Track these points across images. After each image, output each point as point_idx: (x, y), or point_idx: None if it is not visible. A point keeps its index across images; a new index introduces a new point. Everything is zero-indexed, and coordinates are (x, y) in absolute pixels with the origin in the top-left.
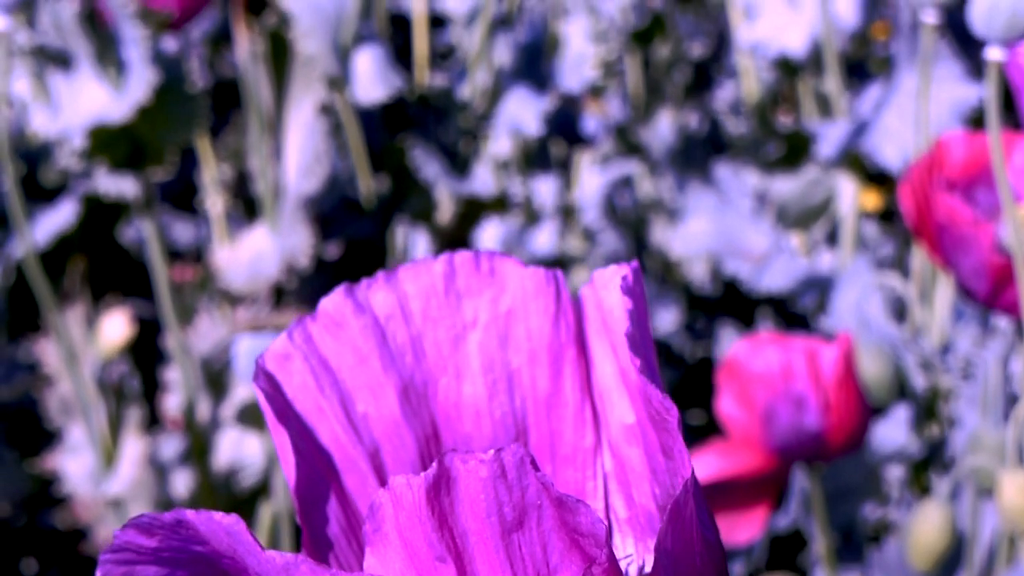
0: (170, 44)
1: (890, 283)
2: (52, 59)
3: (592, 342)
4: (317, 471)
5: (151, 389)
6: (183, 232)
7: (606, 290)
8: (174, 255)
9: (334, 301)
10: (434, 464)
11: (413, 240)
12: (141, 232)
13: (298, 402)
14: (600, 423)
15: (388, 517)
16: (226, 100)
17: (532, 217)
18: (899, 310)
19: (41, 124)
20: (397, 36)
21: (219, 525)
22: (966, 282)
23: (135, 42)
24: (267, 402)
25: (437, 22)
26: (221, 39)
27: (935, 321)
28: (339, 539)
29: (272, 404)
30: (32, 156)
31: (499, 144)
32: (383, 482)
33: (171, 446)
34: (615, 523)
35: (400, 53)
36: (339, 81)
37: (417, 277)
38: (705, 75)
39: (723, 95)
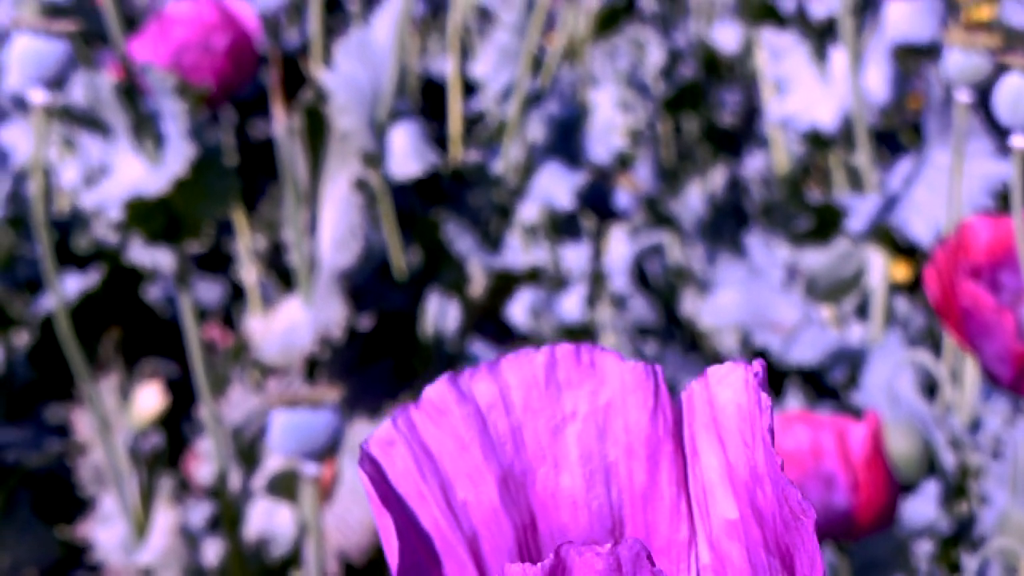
0: (207, 117)
1: (921, 360)
2: (89, 129)
3: (698, 437)
4: (417, 555)
5: (178, 448)
6: (209, 292)
7: (720, 386)
8: (200, 315)
9: (437, 389)
10: (551, 555)
11: (445, 312)
12: (167, 291)
13: (401, 487)
14: (695, 517)
15: None
16: (258, 166)
17: (561, 283)
18: (929, 384)
19: (77, 194)
20: (427, 101)
21: None
22: (990, 367)
23: (173, 116)
24: (371, 486)
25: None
26: (256, 104)
27: (965, 397)
28: None
29: (376, 488)
30: (63, 224)
31: (528, 210)
32: (480, 569)
33: (200, 512)
34: None
35: (427, 113)
36: (375, 156)
37: (519, 368)
38: (735, 143)
39: (753, 163)
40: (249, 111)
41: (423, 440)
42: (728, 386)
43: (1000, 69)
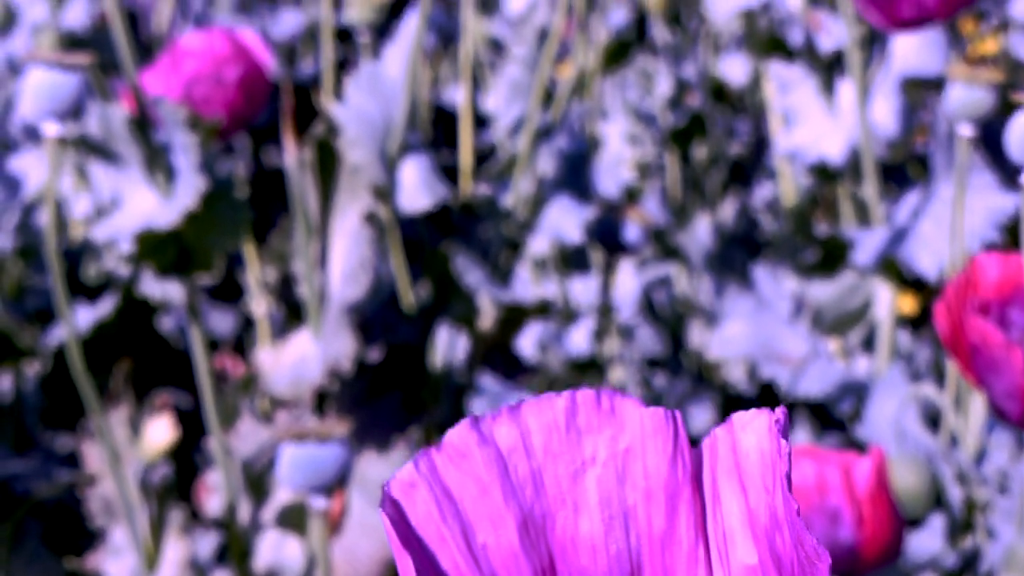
0: (218, 150)
1: (926, 393)
2: (101, 159)
3: (720, 482)
4: None
5: (188, 477)
6: (221, 322)
7: (743, 432)
8: (212, 344)
9: (459, 433)
10: None
11: (454, 345)
12: (179, 321)
13: (421, 529)
14: (713, 562)
15: None
16: (270, 194)
17: (569, 316)
18: (933, 415)
19: (88, 225)
20: (439, 128)
21: None
22: (998, 403)
23: (184, 149)
24: (392, 528)
25: (478, 117)
26: (268, 132)
27: (970, 430)
28: None
29: (397, 530)
30: (73, 254)
31: (538, 243)
32: None
33: (209, 543)
34: None
35: (438, 141)
36: (385, 190)
37: (540, 413)
38: (743, 173)
39: (761, 193)
40: (261, 138)
41: (444, 483)
42: (752, 432)
43: (1004, 104)
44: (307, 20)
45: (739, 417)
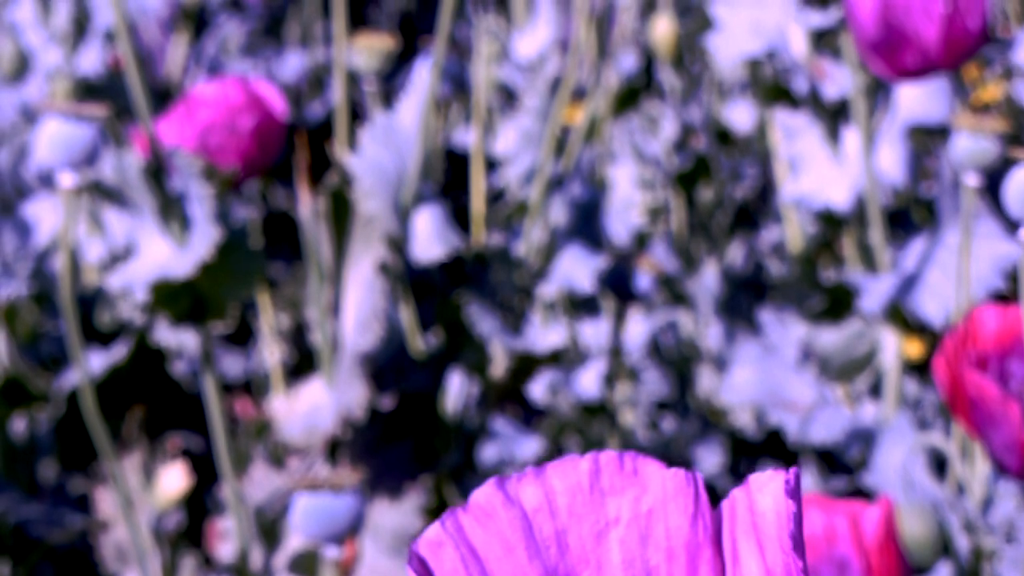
0: (233, 200)
1: (933, 441)
2: (116, 206)
3: (739, 542)
4: None
5: (200, 519)
6: (232, 364)
7: (760, 493)
8: (225, 387)
9: (485, 493)
10: None
11: (466, 393)
12: (193, 365)
13: None
14: None
15: None
16: (280, 235)
17: (579, 358)
18: (939, 462)
19: (102, 273)
20: (449, 168)
21: None
22: (998, 456)
23: (199, 199)
24: None
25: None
26: (279, 171)
27: (976, 477)
28: None
29: None
30: (87, 300)
31: (550, 292)
32: None
33: None
34: None
35: (449, 183)
36: (398, 240)
37: (564, 474)
38: (749, 215)
39: (768, 236)
40: (270, 177)
41: (470, 542)
42: (768, 494)
43: (1008, 156)
44: (312, 62)
45: (756, 479)
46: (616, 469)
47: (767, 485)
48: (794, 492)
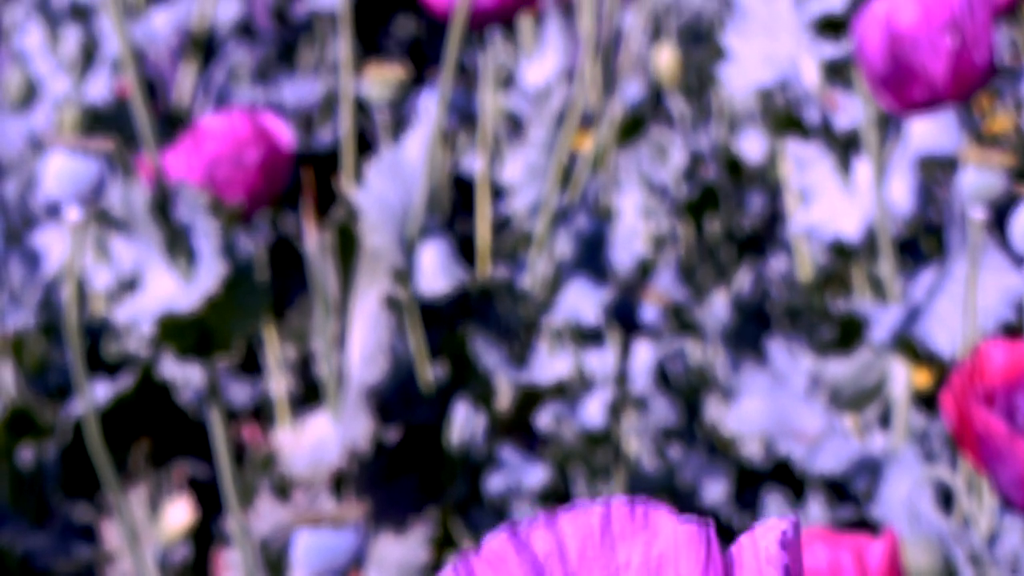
0: (239, 229)
1: (939, 475)
2: (123, 236)
3: None
4: None
5: (204, 546)
6: (238, 392)
7: (765, 539)
8: (231, 414)
9: (497, 539)
10: None
11: (471, 425)
12: (198, 393)
13: None
14: None
15: None
16: (284, 263)
17: (584, 385)
18: (946, 494)
19: (109, 304)
20: (454, 198)
21: None
22: (1005, 491)
23: (206, 234)
24: None
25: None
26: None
27: (983, 510)
28: None
29: None
30: (94, 331)
31: (555, 324)
32: None
33: None
34: None
35: (454, 210)
36: (404, 273)
37: (575, 521)
38: (758, 244)
39: (777, 264)
40: (280, 203)
41: None
42: (772, 541)
43: (1015, 191)
44: (324, 88)
45: (761, 527)
46: (627, 516)
47: (770, 533)
48: (789, 542)
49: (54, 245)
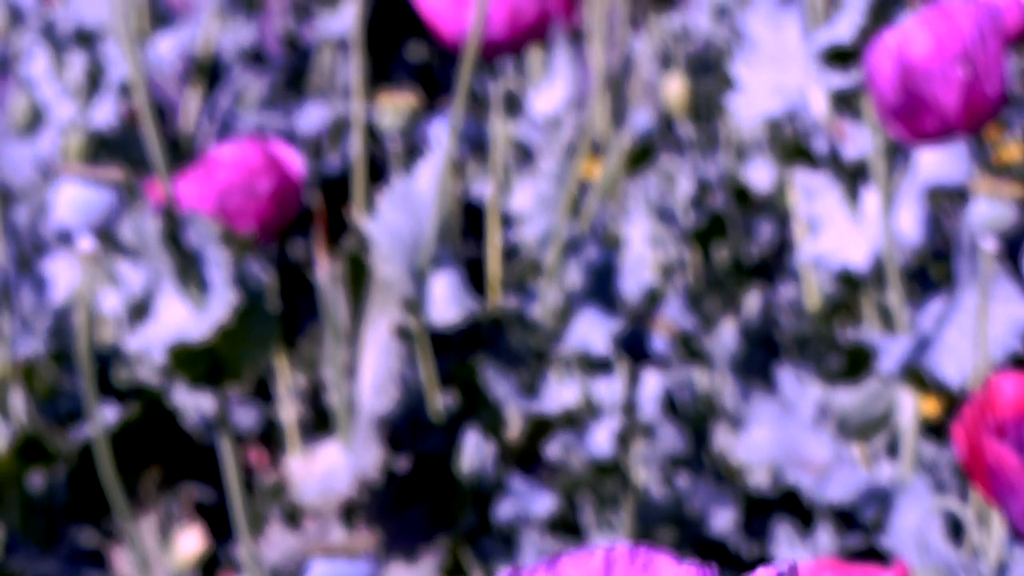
0: (249, 256)
1: (949, 506)
2: (134, 263)
3: None
4: None
5: (211, 570)
6: (245, 416)
7: None
8: (238, 438)
9: None
10: None
11: (482, 455)
12: (205, 419)
13: None
14: None
15: None
16: (294, 288)
17: (592, 412)
18: (955, 524)
19: (119, 331)
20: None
21: None
22: (1016, 523)
23: (218, 264)
24: None
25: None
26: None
27: (992, 542)
28: None
29: None
30: (104, 357)
31: (563, 350)
32: None
33: None
34: None
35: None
36: (415, 303)
37: (577, 565)
38: (766, 271)
39: (785, 292)
40: (291, 229)
41: None
42: None
43: None
44: (333, 114)
45: (764, 570)
46: (629, 560)
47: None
48: None
49: (63, 272)
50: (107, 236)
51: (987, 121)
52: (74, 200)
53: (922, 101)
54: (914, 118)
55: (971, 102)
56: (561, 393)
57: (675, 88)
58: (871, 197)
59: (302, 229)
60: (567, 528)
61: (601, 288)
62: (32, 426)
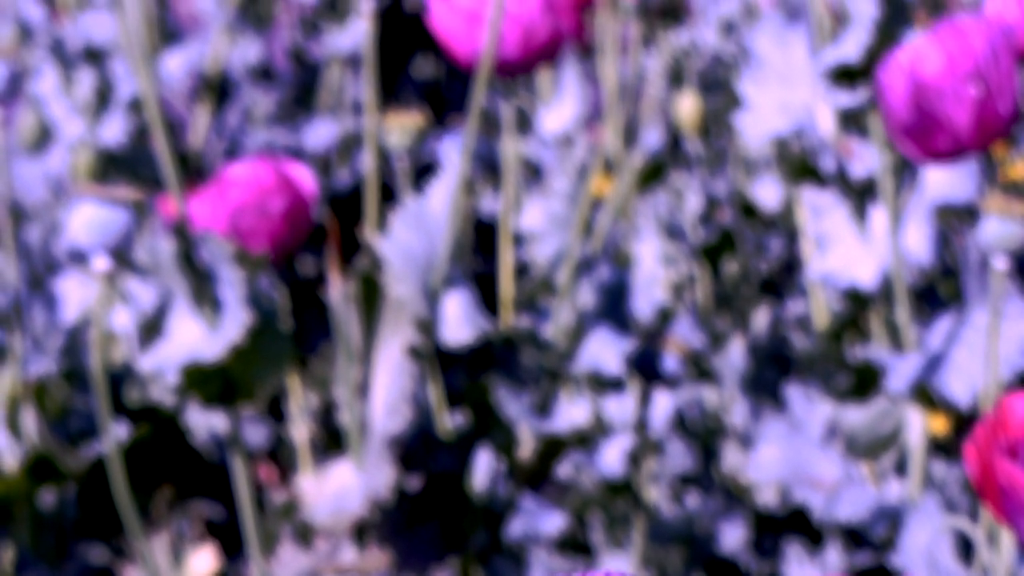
0: (262, 281)
1: (959, 524)
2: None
3: None
4: None
5: None
6: (255, 433)
7: None
8: (248, 454)
9: None
10: None
11: (493, 474)
12: (215, 436)
13: None
14: None
15: None
16: (304, 303)
17: (602, 431)
18: (965, 542)
19: (132, 351)
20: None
21: None
22: None
23: (231, 284)
24: None
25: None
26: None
27: (1002, 561)
28: None
29: None
30: (116, 376)
31: (576, 369)
32: None
33: None
34: None
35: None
36: (428, 323)
37: None
38: (774, 287)
39: (794, 308)
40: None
41: None
42: None
43: None
44: (342, 131)
45: None
46: None
47: None
48: None
49: (74, 291)
50: (120, 255)
51: (999, 138)
52: (89, 221)
53: (934, 119)
54: (926, 136)
55: (983, 120)
56: (572, 412)
57: (687, 106)
58: (879, 215)
59: (311, 246)
60: (577, 547)
61: (613, 307)
62: (43, 445)
